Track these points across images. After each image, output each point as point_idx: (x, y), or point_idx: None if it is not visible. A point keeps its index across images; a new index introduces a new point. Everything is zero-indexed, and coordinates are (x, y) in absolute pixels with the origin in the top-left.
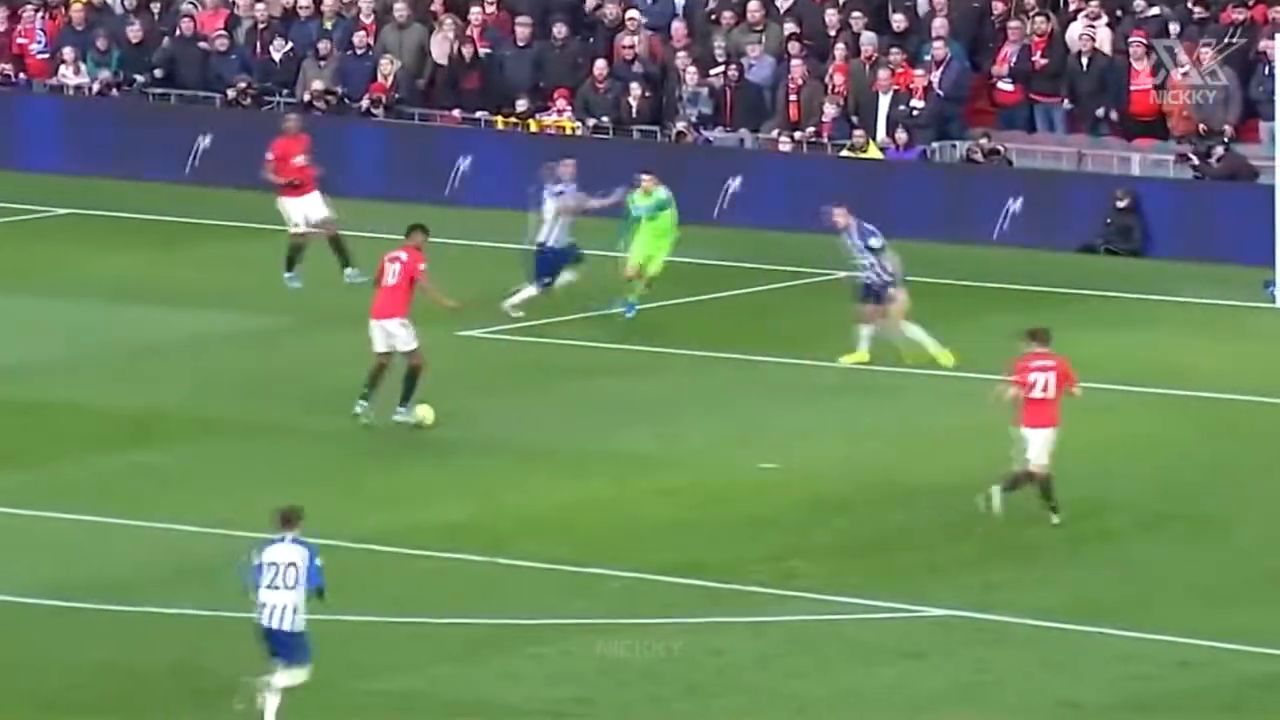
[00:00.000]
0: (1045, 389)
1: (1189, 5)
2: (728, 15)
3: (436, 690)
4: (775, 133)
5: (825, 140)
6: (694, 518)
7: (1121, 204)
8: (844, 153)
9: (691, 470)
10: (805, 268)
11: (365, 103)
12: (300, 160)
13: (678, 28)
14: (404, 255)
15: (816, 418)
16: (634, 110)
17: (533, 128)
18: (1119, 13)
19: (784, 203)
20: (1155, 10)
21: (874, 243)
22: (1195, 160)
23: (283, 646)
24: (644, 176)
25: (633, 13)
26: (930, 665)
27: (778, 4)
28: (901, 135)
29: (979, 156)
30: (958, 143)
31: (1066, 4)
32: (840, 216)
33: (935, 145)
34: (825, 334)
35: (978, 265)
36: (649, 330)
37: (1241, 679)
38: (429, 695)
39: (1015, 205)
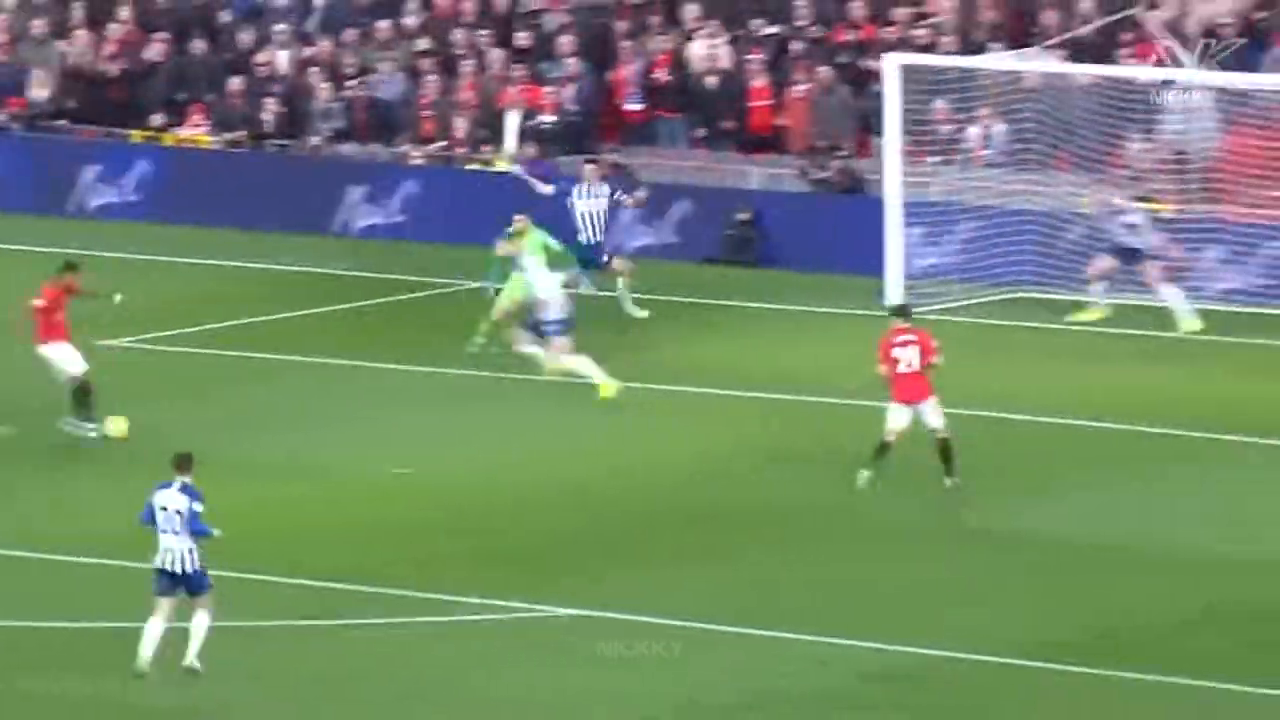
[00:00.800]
0: (910, 364)
1: (804, 25)
2: (360, 32)
3: (68, 693)
4: (408, 147)
5: (457, 154)
6: (334, 523)
7: (741, 217)
8: (474, 166)
9: (330, 476)
10: (434, 278)
11: (3, 117)
12: None
13: (313, 45)
14: (48, 290)
15: (449, 424)
16: (269, 124)
17: (169, 141)
18: (738, 32)
19: (414, 215)
20: (773, 29)
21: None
22: (812, 174)
23: (184, 583)
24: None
25: (272, 28)
26: (564, 665)
27: (408, 22)
28: (531, 149)
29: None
30: (586, 156)
31: (687, 23)
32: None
33: (564, 159)
34: (453, 342)
35: (605, 275)
36: (278, 339)
37: (863, 675)
38: (61, 699)
39: (638, 216)
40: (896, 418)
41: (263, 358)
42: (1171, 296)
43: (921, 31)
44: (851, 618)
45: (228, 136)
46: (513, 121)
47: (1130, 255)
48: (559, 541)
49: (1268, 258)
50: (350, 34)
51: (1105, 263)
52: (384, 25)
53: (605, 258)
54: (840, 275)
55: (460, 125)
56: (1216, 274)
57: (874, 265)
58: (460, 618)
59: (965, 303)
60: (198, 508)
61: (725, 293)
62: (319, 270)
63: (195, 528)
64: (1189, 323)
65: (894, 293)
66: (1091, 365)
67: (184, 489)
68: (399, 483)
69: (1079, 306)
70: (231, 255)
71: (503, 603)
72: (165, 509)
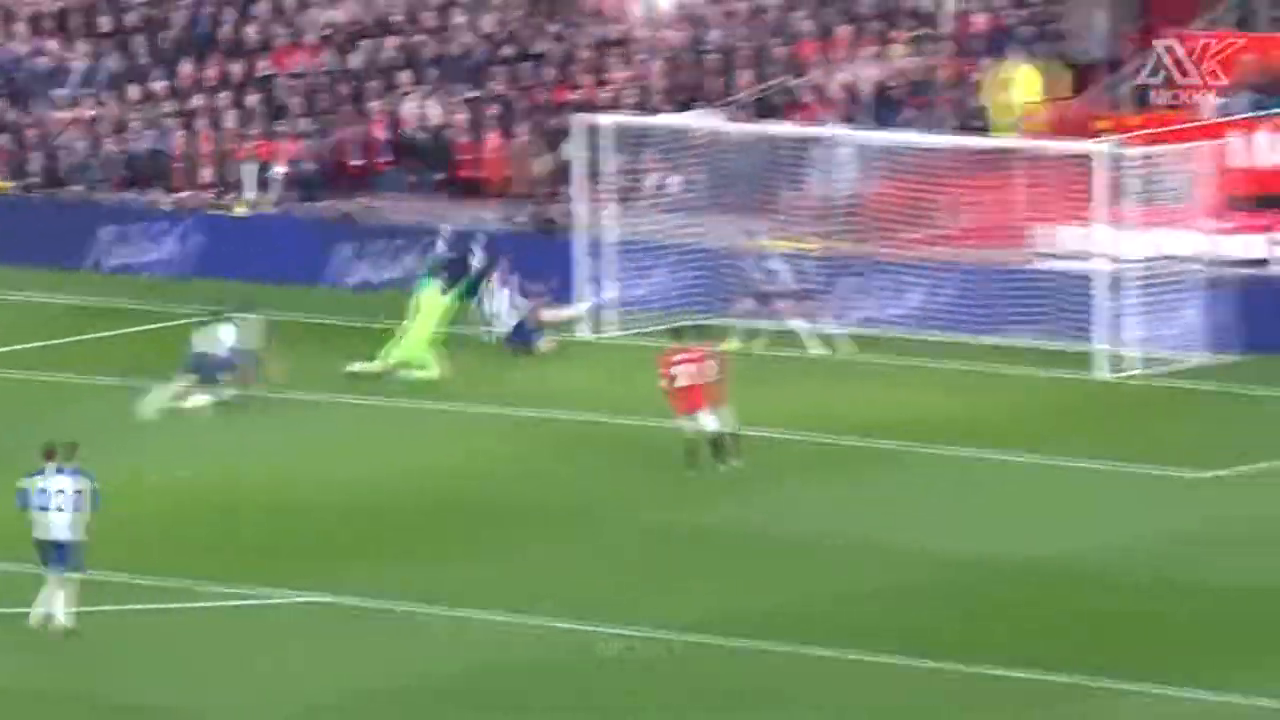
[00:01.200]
0: (692, 377)
1: (528, 85)
2: (140, 89)
3: None
4: (161, 193)
5: (208, 199)
6: (113, 522)
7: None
8: (217, 211)
9: (111, 479)
10: (195, 306)
11: None
12: None
13: (84, 103)
14: None
15: (226, 437)
16: (55, 172)
17: None
18: (468, 91)
19: (166, 254)
20: (501, 89)
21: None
22: (537, 216)
23: (62, 554)
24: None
25: (48, 88)
26: (304, 645)
27: (166, 85)
28: (270, 196)
29: (336, 215)
30: (323, 203)
31: (424, 82)
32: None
33: (302, 205)
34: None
35: (328, 304)
36: (63, 363)
37: (580, 654)
38: None
39: (359, 253)
40: (705, 421)
41: (45, 380)
42: (801, 327)
43: (632, 92)
44: (573, 602)
45: (25, 182)
46: (257, 171)
47: (767, 297)
48: (318, 536)
49: (904, 289)
50: (133, 91)
51: (747, 305)
52: (149, 87)
53: (537, 337)
54: (557, 305)
55: (210, 175)
56: (857, 303)
57: (571, 295)
58: (215, 604)
59: (663, 328)
60: (98, 486)
61: (465, 324)
62: (88, 301)
63: (99, 504)
64: (816, 347)
65: (608, 320)
66: (766, 384)
67: (75, 473)
68: (172, 486)
69: (726, 337)
70: (8, 288)
71: (256, 589)
72: (63, 492)
